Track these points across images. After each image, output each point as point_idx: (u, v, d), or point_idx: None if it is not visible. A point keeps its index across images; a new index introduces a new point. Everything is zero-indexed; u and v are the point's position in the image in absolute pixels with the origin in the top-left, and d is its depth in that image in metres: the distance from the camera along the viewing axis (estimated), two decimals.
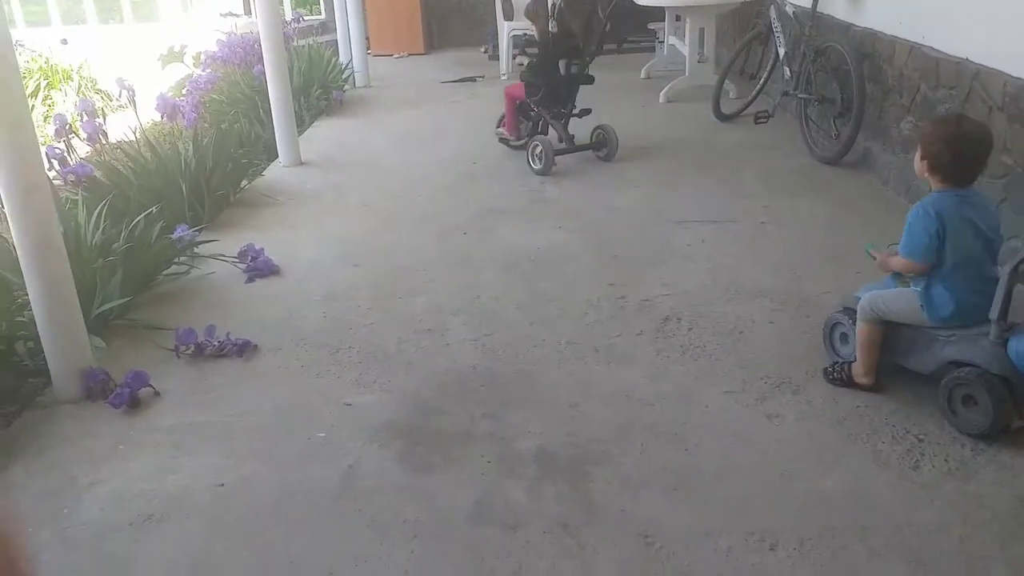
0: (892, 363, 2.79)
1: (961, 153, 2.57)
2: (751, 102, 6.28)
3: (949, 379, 2.59)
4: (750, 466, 2.49)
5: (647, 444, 2.60)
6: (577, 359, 3.11)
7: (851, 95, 4.90)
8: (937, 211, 2.58)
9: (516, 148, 5.67)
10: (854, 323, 2.84)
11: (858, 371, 2.80)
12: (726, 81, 6.48)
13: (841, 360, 2.91)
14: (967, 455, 2.47)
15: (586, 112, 5.52)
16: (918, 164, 2.67)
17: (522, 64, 5.60)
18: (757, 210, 4.50)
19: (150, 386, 2.99)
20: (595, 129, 5.56)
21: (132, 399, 2.91)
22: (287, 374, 3.11)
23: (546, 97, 5.37)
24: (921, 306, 2.66)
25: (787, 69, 5.70)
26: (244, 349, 3.23)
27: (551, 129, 5.53)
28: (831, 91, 5.17)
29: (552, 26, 5.30)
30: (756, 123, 5.93)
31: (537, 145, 5.31)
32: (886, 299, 2.74)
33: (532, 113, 5.54)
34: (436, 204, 4.90)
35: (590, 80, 5.49)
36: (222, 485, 2.51)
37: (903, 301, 2.71)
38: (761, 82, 6.21)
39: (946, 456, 2.47)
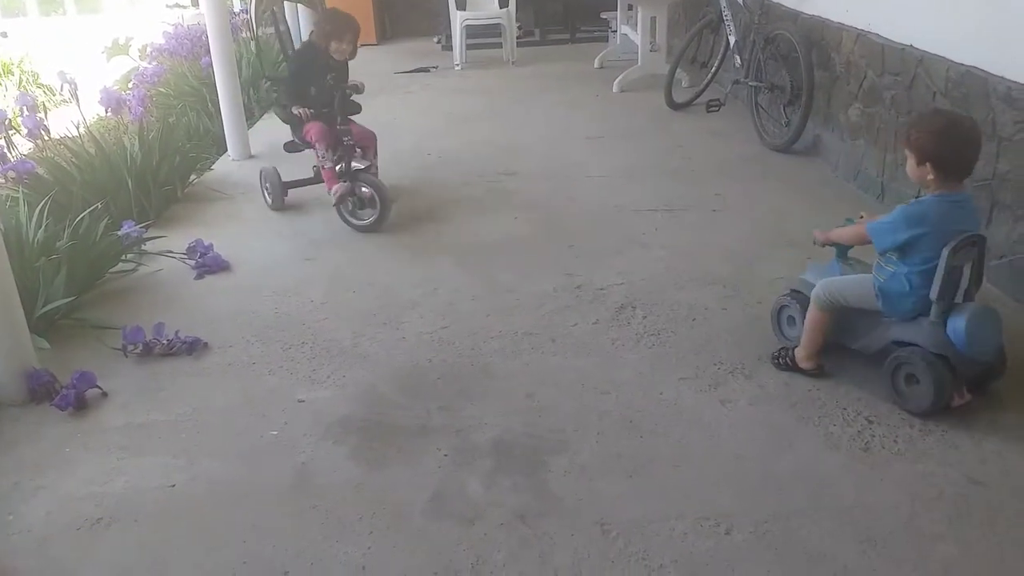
0: (837, 344, 2.83)
1: (960, 143, 2.51)
2: (703, 91, 6.32)
3: (892, 359, 2.64)
4: (704, 451, 2.51)
5: (603, 432, 2.61)
6: (533, 350, 3.11)
7: (800, 83, 4.96)
8: (922, 223, 2.53)
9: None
10: (801, 306, 2.89)
11: (800, 355, 2.84)
12: (678, 70, 6.52)
13: (789, 342, 2.96)
14: (916, 435, 2.52)
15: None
16: (915, 171, 2.57)
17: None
18: (709, 198, 4.54)
19: (97, 387, 2.92)
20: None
21: (78, 400, 2.84)
22: (238, 371, 3.05)
23: None
24: (876, 296, 2.66)
25: (737, 57, 5.75)
26: (194, 347, 3.17)
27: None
28: (781, 79, 5.23)
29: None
30: (708, 111, 5.98)
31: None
32: (841, 287, 2.75)
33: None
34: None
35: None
36: (173, 486, 2.46)
37: (859, 288, 2.71)
38: (712, 70, 6.26)
39: (895, 437, 2.52)
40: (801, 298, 2.92)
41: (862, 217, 2.84)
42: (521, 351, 3.10)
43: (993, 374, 2.67)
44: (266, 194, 4.73)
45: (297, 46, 5.07)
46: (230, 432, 2.71)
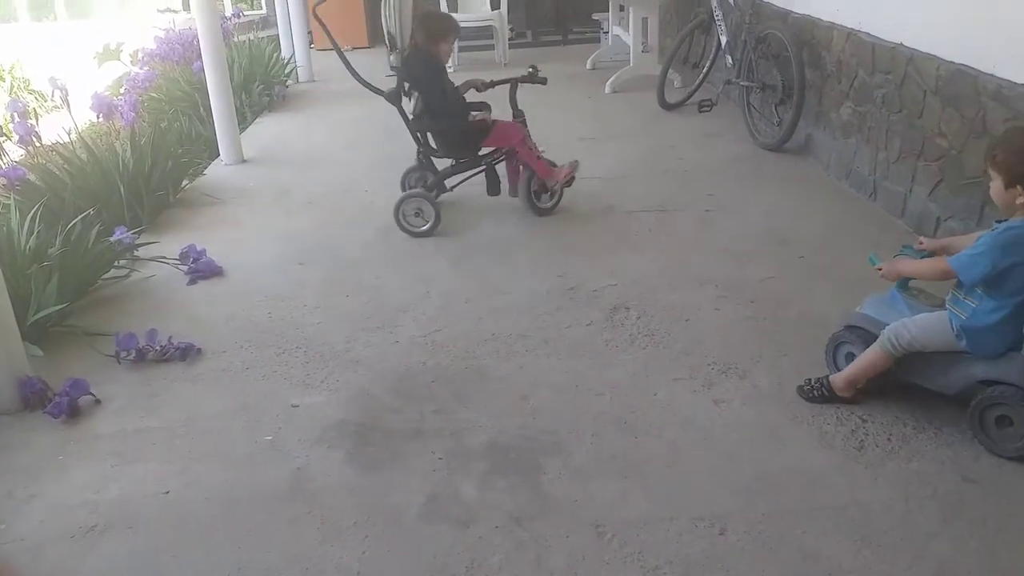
0: (910, 384, 2.60)
1: None
2: (695, 91, 6.33)
3: (981, 399, 2.41)
4: (699, 451, 2.51)
5: (598, 434, 2.61)
6: (527, 351, 3.11)
7: (791, 82, 4.97)
8: (1018, 252, 2.28)
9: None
10: (863, 342, 2.65)
11: (841, 384, 2.64)
12: (670, 70, 6.53)
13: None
14: (909, 433, 2.52)
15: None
16: (1003, 195, 2.31)
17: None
18: (702, 198, 4.54)
19: (90, 394, 2.91)
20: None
21: (71, 408, 2.83)
22: (232, 377, 3.05)
23: None
24: (957, 335, 2.43)
25: (729, 57, 5.76)
26: (187, 353, 3.17)
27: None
28: (772, 78, 5.24)
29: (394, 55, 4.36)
30: (700, 111, 5.99)
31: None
32: (913, 331, 2.49)
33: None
34: (383, 200, 4.83)
35: (423, 126, 4.28)
36: (167, 492, 2.46)
37: (935, 330, 2.47)
38: (704, 71, 6.27)
39: (889, 435, 2.52)
40: (862, 334, 2.66)
41: (921, 243, 2.67)
42: (515, 353, 3.10)
43: None
44: (410, 220, 4.25)
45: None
46: (224, 438, 2.70)
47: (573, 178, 4.42)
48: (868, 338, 2.63)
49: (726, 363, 2.95)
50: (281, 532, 2.27)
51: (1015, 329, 2.35)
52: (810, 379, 2.73)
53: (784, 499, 2.29)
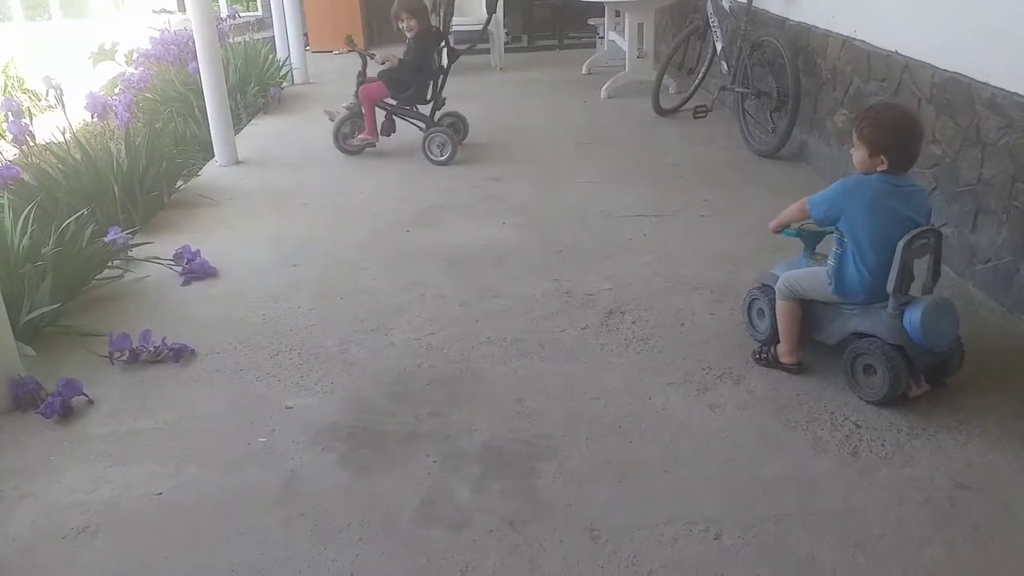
0: (805, 337, 2.91)
1: (913, 136, 2.65)
2: (690, 97, 6.35)
3: (851, 349, 2.74)
4: (693, 456, 2.51)
5: (592, 438, 2.61)
6: (522, 355, 3.11)
7: (787, 89, 4.99)
8: (859, 198, 2.66)
9: (356, 151, 5.72)
10: (770, 299, 2.98)
11: (782, 350, 2.92)
12: (665, 76, 6.54)
13: (758, 333, 3.07)
14: (903, 439, 2.53)
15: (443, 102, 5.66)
16: (867, 162, 2.66)
17: (385, 63, 5.54)
18: (697, 203, 4.56)
19: (83, 394, 2.89)
20: (446, 115, 5.74)
21: (64, 408, 2.82)
22: (225, 378, 3.04)
23: (419, 91, 5.53)
24: (828, 282, 2.76)
25: (724, 64, 5.78)
26: (181, 354, 3.16)
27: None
28: (767, 85, 5.26)
29: (435, 20, 5.45)
30: (695, 117, 6.01)
31: (439, 135, 5.47)
32: (799, 277, 2.86)
33: (388, 109, 5.65)
34: (378, 201, 4.85)
35: (457, 56, 5.60)
36: (160, 493, 2.45)
37: (814, 279, 2.83)
38: (699, 77, 6.29)
39: (883, 441, 2.53)
40: (770, 291, 2.99)
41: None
42: (510, 356, 3.10)
43: (951, 367, 2.75)
44: (437, 151, 5.50)
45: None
46: (217, 439, 2.69)
47: None
48: (772, 294, 2.96)
49: (721, 368, 2.95)
50: (274, 534, 2.26)
51: (871, 280, 2.66)
52: (763, 346, 2.98)
53: (779, 504, 2.29)
